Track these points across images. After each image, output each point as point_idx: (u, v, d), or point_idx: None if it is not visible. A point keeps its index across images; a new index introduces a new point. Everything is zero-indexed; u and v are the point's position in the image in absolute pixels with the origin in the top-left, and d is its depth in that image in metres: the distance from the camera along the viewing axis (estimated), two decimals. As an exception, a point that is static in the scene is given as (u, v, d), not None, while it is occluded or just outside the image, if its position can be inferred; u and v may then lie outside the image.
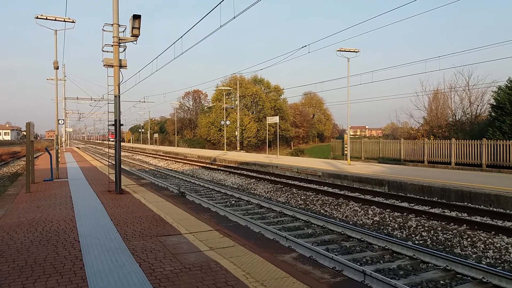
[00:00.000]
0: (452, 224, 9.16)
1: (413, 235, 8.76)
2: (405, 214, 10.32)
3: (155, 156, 38.40)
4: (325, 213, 11.35)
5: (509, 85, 24.66)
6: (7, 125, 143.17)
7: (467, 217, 9.60)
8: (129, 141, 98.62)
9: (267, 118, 30.29)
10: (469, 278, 6.02)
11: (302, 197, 13.46)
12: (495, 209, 10.13)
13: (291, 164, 20.80)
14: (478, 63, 68.19)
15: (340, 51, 20.94)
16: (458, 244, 7.94)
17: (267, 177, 18.36)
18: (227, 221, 7.78)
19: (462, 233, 8.45)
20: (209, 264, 4.74)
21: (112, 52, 10.74)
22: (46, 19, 15.72)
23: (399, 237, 8.69)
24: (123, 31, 10.79)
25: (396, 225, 9.50)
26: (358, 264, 6.54)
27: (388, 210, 10.84)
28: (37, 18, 15.69)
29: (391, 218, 10.04)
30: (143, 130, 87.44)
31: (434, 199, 11.84)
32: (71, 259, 4.94)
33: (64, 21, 16.01)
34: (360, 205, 11.56)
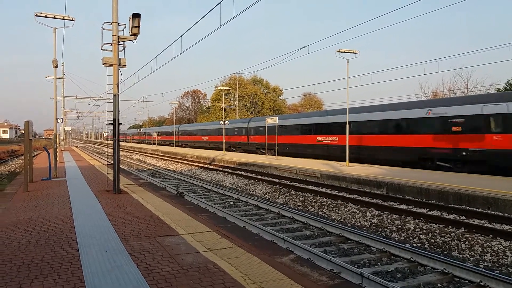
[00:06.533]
0: (450, 227, 9.17)
1: (411, 238, 8.76)
2: (403, 216, 10.31)
3: (153, 156, 38.35)
4: (323, 214, 11.35)
5: (508, 87, 24.76)
6: (6, 124, 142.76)
7: (465, 220, 9.61)
8: (127, 141, 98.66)
9: (266, 118, 30.25)
10: (466, 281, 6.03)
11: (300, 199, 13.44)
12: (493, 212, 10.14)
13: (289, 165, 20.79)
14: (477, 65, 68.23)
15: (340, 52, 20.93)
16: (456, 247, 7.95)
17: (266, 178, 18.35)
18: (225, 222, 7.78)
19: (460, 236, 8.45)
20: (206, 265, 4.73)
21: (111, 51, 10.73)
22: (46, 17, 15.66)
23: (397, 240, 8.69)
24: (123, 30, 10.78)
25: (394, 228, 9.50)
26: (356, 266, 6.54)
27: (386, 212, 10.83)
28: (36, 16, 15.64)
29: (389, 221, 10.04)
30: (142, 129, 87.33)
31: (432, 201, 11.84)
32: (69, 259, 4.93)
33: (64, 19, 15.97)
34: (359, 207, 11.56)
